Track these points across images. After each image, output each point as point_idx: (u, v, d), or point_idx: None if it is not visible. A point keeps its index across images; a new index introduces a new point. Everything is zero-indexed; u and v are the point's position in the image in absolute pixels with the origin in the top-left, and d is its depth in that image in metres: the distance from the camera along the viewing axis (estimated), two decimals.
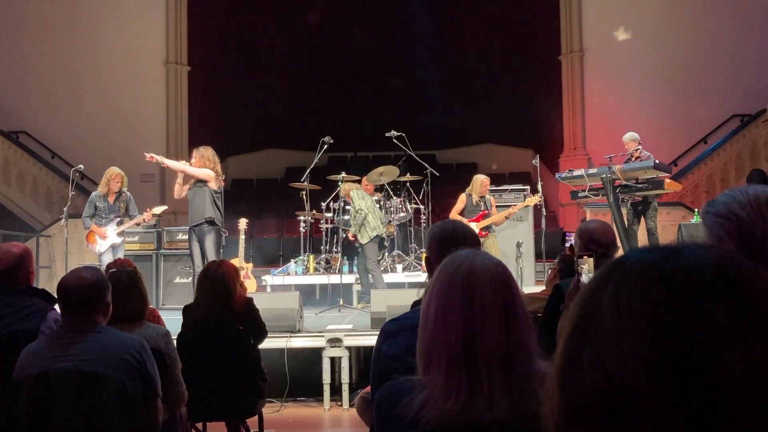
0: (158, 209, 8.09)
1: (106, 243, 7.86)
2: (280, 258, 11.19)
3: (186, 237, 8.01)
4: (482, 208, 8.14)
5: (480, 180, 8.26)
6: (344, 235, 8.87)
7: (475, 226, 7.89)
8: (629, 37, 13.37)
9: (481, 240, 7.90)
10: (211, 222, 7.01)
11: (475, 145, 16.50)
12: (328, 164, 13.75)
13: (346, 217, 8.63)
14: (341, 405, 5.87)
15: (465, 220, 7.93)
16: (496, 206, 8.42)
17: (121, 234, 7.97)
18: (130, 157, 12.95)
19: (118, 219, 7.93)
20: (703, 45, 12.86)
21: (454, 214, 8.08)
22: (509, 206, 8.47)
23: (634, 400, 0.57)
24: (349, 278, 8.74)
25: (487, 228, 8.08)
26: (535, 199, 8.42)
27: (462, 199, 8.24)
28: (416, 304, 2.36)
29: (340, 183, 8.83)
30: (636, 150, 7.98)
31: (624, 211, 7.84)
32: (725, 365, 0.56)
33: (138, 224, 8.15)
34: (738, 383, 0.56)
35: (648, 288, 0.61)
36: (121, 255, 7.80)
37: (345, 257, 9.07)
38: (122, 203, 7.96)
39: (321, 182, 9.87)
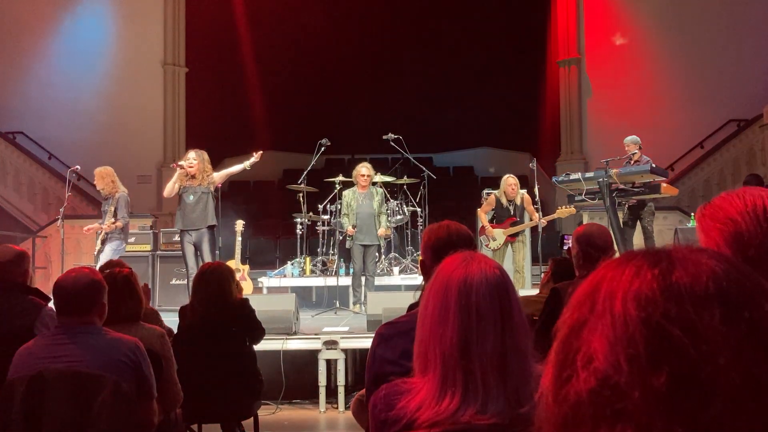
0: None
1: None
2: (277, 260, 11.18)
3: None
4: (511, 213, 7.99)
5: (503, 180, 8.11)
6: (343, 238, 8.73)
7: (501, 232, 7.93)
8: (626, 42, 13.41)
9: (510, 244, 7.99)
10: (211, 227, 7.05)
11: (472, 148, 16.51)
12: (325, 166, 13.74)
13: (344, 220, 8.49)
14: (337, 407, 5.86)
15: (486, 223, 7.95)
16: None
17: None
18: (127, 158, 12.98)
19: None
20: (699, 50, 12.89)
21: (480, 212, 8.12)
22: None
23: (628, 403, 0.57)
24: (345, 280, 8.71)
25: (515, 233, 7.98)
26: (567, 211, 8.05)
27: (491, 200, 8.11)
28: (412, 307, 2.36)
29: (337, 186, 8.85)
30: (635, 153, 8.00)
31: (620, 213, 7.85)
32: (719, 371, 0.56)
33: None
34: (732, 389, 0.56)
35: (642, 291, 0.61)
36: None
37: (342, 259, 9.06)
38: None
39: (318, 184, 9.86)
